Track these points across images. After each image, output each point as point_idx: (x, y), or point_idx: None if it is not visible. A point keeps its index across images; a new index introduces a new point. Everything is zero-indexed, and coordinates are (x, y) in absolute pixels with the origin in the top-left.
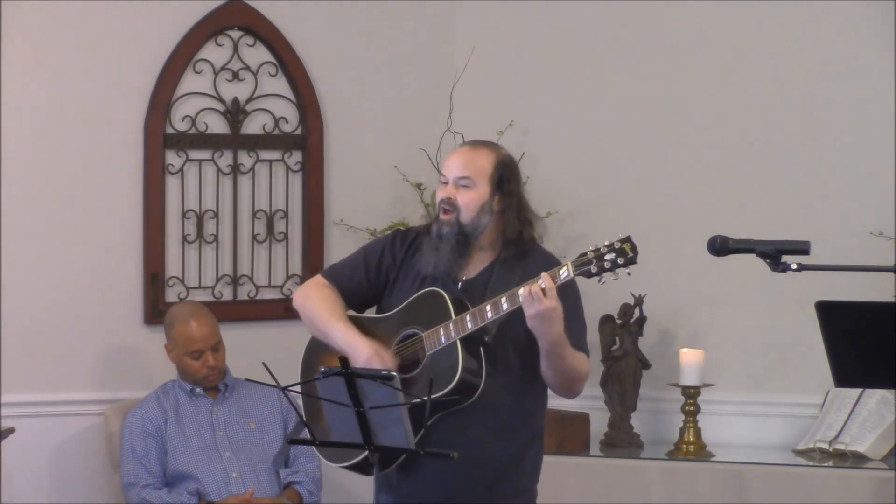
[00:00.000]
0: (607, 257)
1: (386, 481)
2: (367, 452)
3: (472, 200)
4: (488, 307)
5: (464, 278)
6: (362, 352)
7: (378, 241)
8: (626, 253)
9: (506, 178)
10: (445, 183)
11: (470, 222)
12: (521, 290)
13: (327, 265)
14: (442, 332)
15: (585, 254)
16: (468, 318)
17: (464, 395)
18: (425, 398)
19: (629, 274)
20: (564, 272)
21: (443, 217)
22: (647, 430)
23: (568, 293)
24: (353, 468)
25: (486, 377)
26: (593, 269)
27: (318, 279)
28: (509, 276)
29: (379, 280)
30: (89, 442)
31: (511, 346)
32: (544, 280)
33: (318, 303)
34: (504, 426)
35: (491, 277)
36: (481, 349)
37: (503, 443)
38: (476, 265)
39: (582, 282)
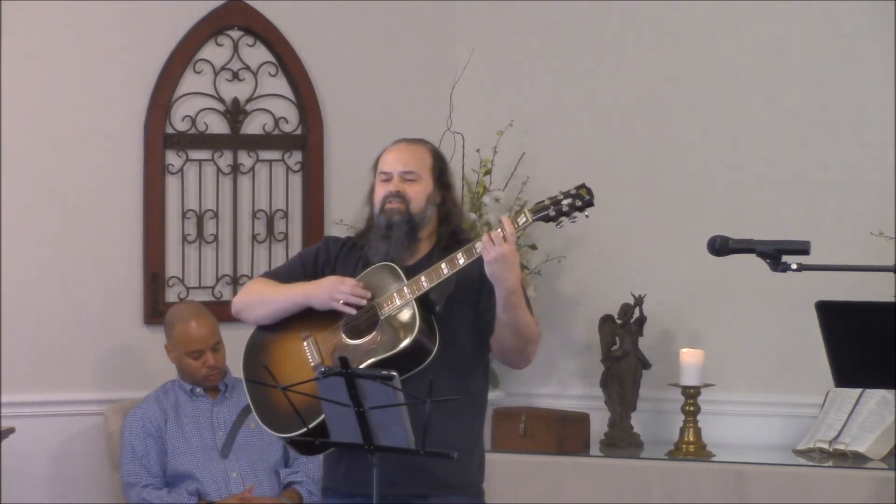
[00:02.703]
0: (564, 202)
1: (331, 481)
2: (305, 430)
3: (419, 192)
4: (443, 264)
5: (404, 265)
6: (324, 284)
7: (312, 247)
8: (582, 197)
9: (444, 170)
10: (388, 179)
11: (418, 212)
12: (480, 240)
13: None
14: (396, 295)
15: (542, 201)
16: (423, 277)
17: (416, 359)
18: (426, 398)
19: (587, 216)
20: (522, 218)
21: (390, 206)
22: (647, 430)
23: None
24: (294, 445)
25: (438, 347)
26: (551, 212)
27: (257, 278)
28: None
29: (316, 276)
30: (89, 442)
31: (459, 322)
32: (504, 224)
33: (263, 287)
34: (452, 406)
35: (431, 264)
36: (433, 318)
37: (449, 421)
38: (417, 254)
39: (579, 281)
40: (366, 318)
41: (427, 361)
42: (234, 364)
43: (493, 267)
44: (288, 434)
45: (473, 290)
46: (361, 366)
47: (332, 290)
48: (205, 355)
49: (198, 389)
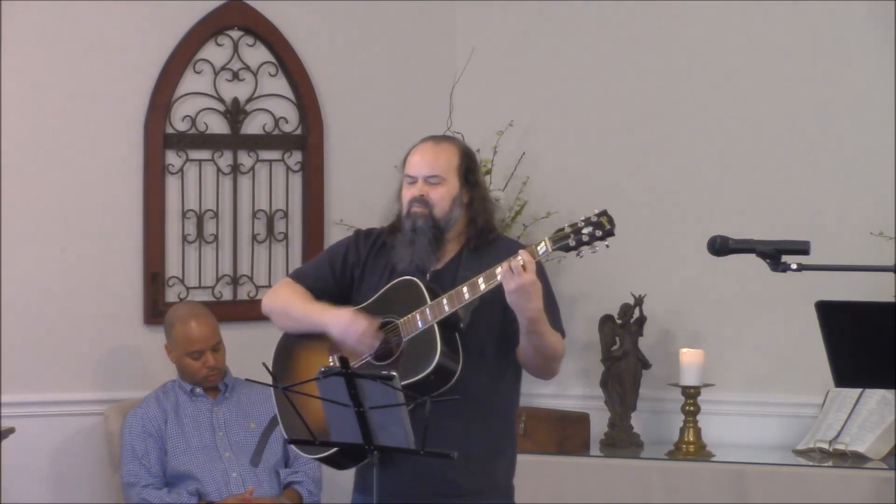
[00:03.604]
0: (585, 231)
1: (362, 480)
2: (337, 448)
3: (444, 195)
4: (465, 288)
5: (432, 269)
6: (341, 318)
7: (341, 242)
8: (603, 226)
9: (471, 169)
10: (413, 182)
11: (443, 216)
12: (500, 267)
13: None
14: (419, 317)
15: (562, 229)
16: (444, 301)
17: (441, 380)
18: (426, 398)
19: (608, 246)
20: (542, 247)
21: (416, 210)
22: (647, 430)
23: (541, 279)
24: (326, 461)
25: (462, 363)
26: (571, 242)
27: (285, 280)
28: (477, 263)
29: (345, 277)
30: (89, 442)
31: (485, 334)
32: (523, 255)
33: (289, 296)
34: (479, 413)
35: (459, 266)
36: (457, 335)
37: (479, 431)
38: (444, 257)
39: (579, 281)
40: (388, 339)
41: (452, 381)
42: (235, 364)
43: (513, 297)
44: (317, 455)
45: (498, 299)
46: None
47: (344, 329)
48: (205, 355)
49: (198, 389)
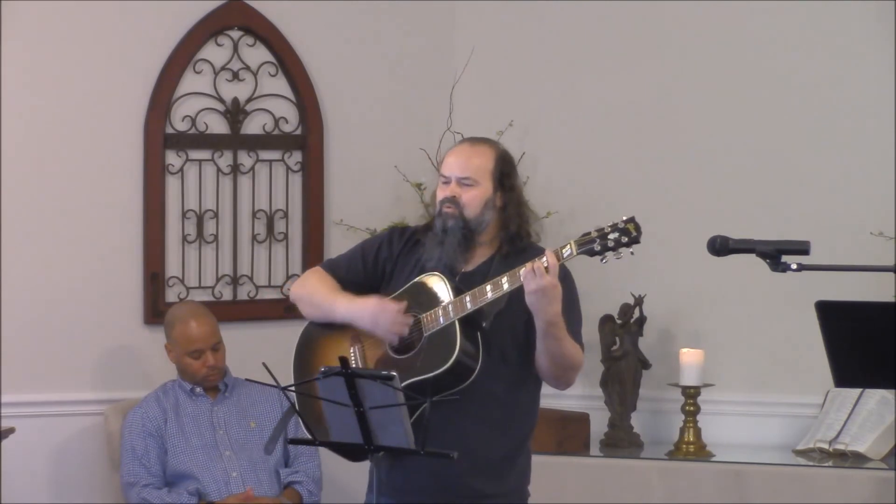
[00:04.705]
0: (611, 236)
1: (377, 480)
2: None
3: (475, 198)
4: (488, 287)
5: (462, 271)
6: (367, 308)
7: (376, 237)
8: (629, 232)
9: (506, 173)
10: (447, 182)
11: (474, 218)
12: (524, 267)
13: None
14: (440, 313)
15: (589, 233)
16: (467, 298)
17: (459, 377)
18: (426, 399)
19: (633, 253)
20: (567, 250)
21: (447, 211)
22: (647, 430)
23: (566, 286)
24: (340, 452)
25: (482, 364)
26: (597, 247)
27: (315, 269)
28: (507, 269)
29: (376, 272)
30: (89, 442)
31: (508, 336)
32: (548, 256)
33: (317, 285)
34: (497, 418)
35: (490, 271)
36: (478, 335)
37: (496, 436)
38: (475, 260)
39: (579, 281)
40: (413, 332)
41: (470, 380)
42: (235, 364)
43: (532, 298)
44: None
45: (524, 305)
46: (403, 384)
47: (374, 317)
48: (205, 355)
49: (198, 389)
